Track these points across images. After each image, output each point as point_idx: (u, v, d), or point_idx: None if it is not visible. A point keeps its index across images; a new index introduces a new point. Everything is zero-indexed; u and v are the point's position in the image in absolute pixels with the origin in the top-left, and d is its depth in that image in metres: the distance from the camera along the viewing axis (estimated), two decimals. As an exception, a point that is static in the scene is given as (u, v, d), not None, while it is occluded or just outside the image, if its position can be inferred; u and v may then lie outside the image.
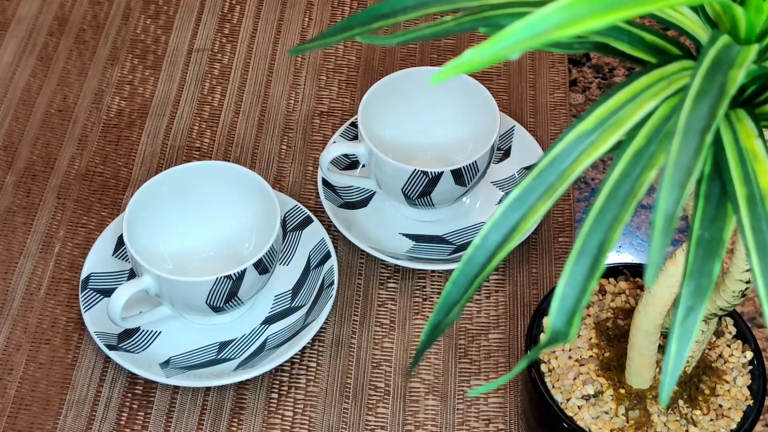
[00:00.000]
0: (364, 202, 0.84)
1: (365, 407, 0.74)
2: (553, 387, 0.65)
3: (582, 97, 0.92)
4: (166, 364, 0.74)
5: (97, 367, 0.76)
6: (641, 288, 0.70)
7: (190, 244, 0.79)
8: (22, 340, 0.77)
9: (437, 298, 0.78)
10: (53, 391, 0.75)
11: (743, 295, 0.58)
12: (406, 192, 0.78)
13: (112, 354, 0.73)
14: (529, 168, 0.70)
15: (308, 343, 0.76)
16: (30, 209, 0.84)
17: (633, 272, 0.70)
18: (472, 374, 0.76)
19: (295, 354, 0.76)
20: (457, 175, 0.77)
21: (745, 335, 0.67)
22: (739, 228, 0.41)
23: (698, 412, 0.64)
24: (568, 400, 0.65)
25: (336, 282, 0.77)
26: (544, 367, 0.66)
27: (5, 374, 0.75)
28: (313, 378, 0.76)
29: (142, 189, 0.75)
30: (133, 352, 0.74)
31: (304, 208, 0.81)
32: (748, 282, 0.57)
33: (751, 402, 0.65)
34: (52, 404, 0.74)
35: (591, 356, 0.66)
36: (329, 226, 0.81)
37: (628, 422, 0.64)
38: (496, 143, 0.79)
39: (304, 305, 0.77)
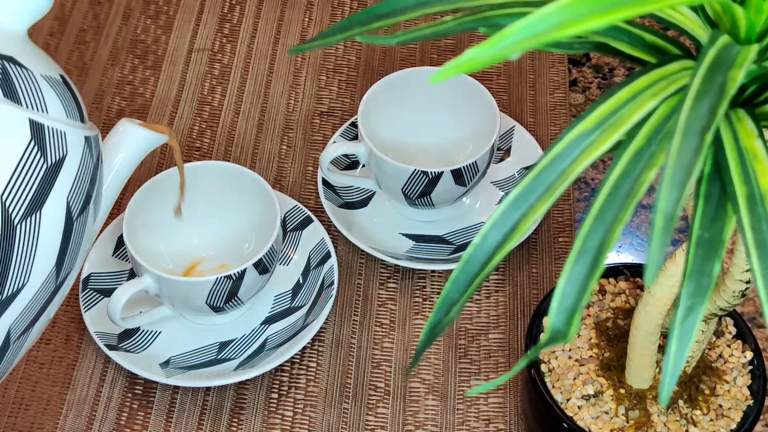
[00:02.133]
0: (364, 202, 0.84)
1: (365, 407, 0.74)
2: (553, 387, 0.65)
3: (582, 97, 0.92)
4: (166, 364, 0.74)
5: (97, 367, 0.76)
6: (641, 288, 0.70)
7: (190, 244, 0.79)
8: (22, 340, 0.77)
9: (437, 298, 0.78)
10: (53, 391, 0.75)
11: (743, 295, 0.58)
12: (406, 192, 0.78)
13: (112, 354, 0.73)
14: (529, 168, 0.70)
15: (308, 343, 0.76)
16: (30, 209, 0.84)
17: (633, 272, 0.70)
18: (472, 374, 0.76)
19: (295, 354, 0.76)
20: (457, 175, 0.77)
21: (745, 335, 0.67)
22: (739, 228, 0.41)
23: (698, 412, 0.64)
24: (568, 400, 0.65)
25: (336, 282, 0.77)
26: (544, 367, 0.66)
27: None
28: (313, 378, 0.76)
29: (142, 189, 0.75)
30: (133, 352, 0.74)
31: (304, 208, 0.81)
32: (748, 282, 0.57)
33: (751, 402, 0.65)
34: (52, 404, 0.74)
35: (591, 356, 0.66)
36: (329, 226, 0.81)
37: (628, 422, 0.64)
38: (496, 143, 0.79)
39: (304, 305, 0.77)
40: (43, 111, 0.55)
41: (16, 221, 0.54)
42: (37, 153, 0.54)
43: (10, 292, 0.55)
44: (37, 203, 0.55)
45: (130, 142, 0.64)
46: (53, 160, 0.55)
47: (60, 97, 0.57)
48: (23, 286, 0.55)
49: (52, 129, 0.55)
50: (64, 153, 0.56)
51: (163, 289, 0.72)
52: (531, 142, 0.86)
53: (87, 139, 0.58)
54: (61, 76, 0.59)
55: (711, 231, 0.42)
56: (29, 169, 0.54)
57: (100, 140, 0.61)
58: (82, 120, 0.59)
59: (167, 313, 0.75)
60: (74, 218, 0.57)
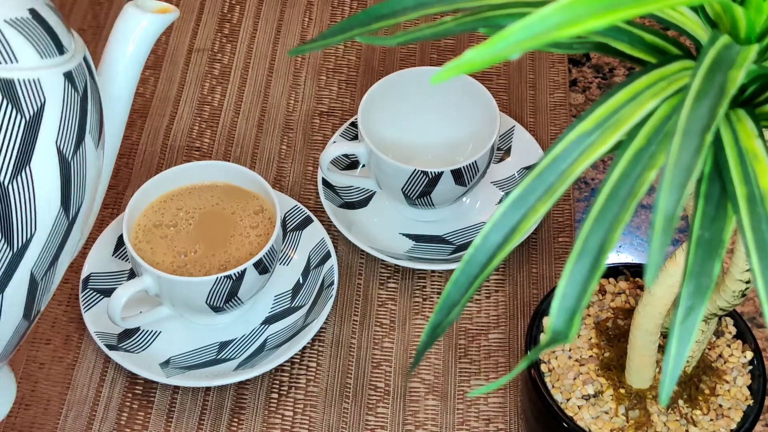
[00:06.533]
0: (364, 202, 0.84)
1: (365, 407, 0.74)
2: (553, 387, 0.65)
3: (582, 97, 0.92)
4: (166, 364, 0.74)
5: (97, 367, 0.76)
6: (641, 288, 0.70)
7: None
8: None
9: (437, 298, 0.78)
10: (53, 391, 0.75)
11: (743, 295, 0.58)
12: (406, 192, 0.78)
13: (112, 354, 0.73)
14: (529, 168, 0.70)
15: (308, 343, 0.77)
16: (30, 209, 0.84)
17: (633, 272, 0.70)
18: (472, 374, 0.76)
19: (295, 354, 0.76)
20: (457, 175, 0.77)
21: (745, 335, 0.67)
22: (739, 228, 0.41)
23: (698, 412, 0.64)
24: (568, 400, 0.65)
25: (336, 282, 0.77)
26: (544, 367, 0.66)
27: (5, 374, 0.75)
28: (313, 378, 0.76)
29: (142, 189, 0.75)
30: (133, 352, 0.74)
31: (304, 208, 0.81)
32: (748, 282, 0.57)
33: (751, 402, 0.65)
34: (52, 404, 0.74)
35: (591, 356, 0.66)
36: (329, 226, 0.81)
37: (628, 422, 0.64)
38: (496, 143, 0.79)
39: (304, 305, 0.77)
40: (11, 61, 0.52)
41: (6, 183, 0.52)
42: (11, 110, 0.52)
43: (20, 245, 0.53)
44: (23, 160, 0.52)
45: (138, 30, 0.63)
46: (31, 113, 0.52)
47: (30, 38, 0.54)
48: (32, 236, 0.53)
49: (24, 81, 0.52)
50: (42, 101, 0.53)
51: (163, 289, 0.72)
52: (531, 142, 0.86)
53: (67, 75, 0.55)
54: (31, 10, 0.55)
55: (711, 231, 0.42)
56: (7, 128, 0.52)
57: (87, 61, 0.58)
58: (61, 51, 0.56)
59: (167, 313, 0.75)
60: (69, 158, 0.54)
